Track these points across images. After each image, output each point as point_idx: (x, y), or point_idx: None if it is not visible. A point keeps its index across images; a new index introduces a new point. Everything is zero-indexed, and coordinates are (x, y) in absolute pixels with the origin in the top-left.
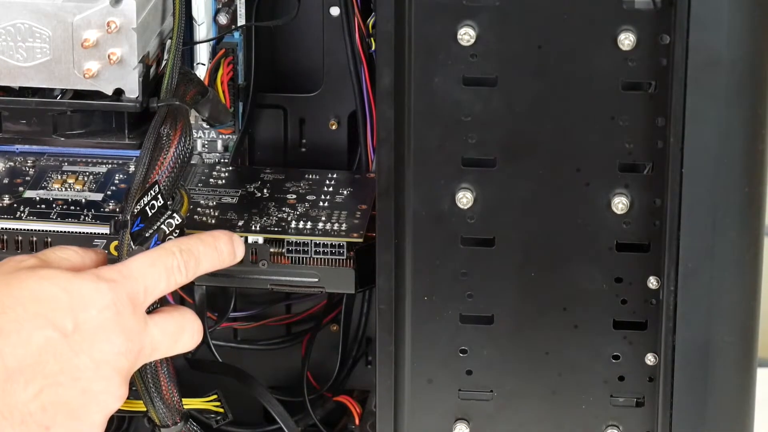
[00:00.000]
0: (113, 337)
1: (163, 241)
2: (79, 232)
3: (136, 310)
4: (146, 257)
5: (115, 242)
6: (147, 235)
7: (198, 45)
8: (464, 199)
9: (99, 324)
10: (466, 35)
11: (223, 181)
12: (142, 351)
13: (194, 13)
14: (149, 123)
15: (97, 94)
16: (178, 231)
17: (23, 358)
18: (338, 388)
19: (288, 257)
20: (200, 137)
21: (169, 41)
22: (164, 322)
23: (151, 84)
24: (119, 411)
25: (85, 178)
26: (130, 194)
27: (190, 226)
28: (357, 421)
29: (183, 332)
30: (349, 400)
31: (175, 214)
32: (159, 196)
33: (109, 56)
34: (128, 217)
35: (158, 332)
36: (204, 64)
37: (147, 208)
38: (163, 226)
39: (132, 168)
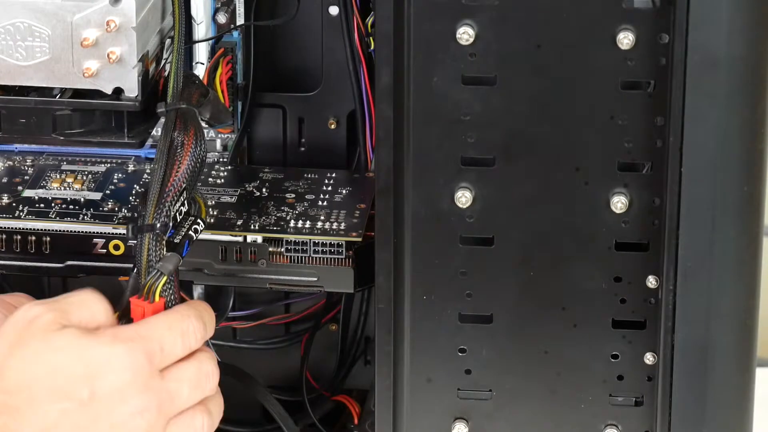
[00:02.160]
0: (129, 398)
1: (191, 245)
2: (78, 231)
3: (152, 369)
4: (164, 320)
5: (114, 241)
6: (177, 241)
7: (197, 44)
8: (463, 198)
9: (115, 388)
10: (465, 34)
11: (222, 180)
12: (161, 406)
13: (193, 13)
14: (148, 122)
15: (97, 93)
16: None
17: None
18: (337, 387)
19: (287, 256)
20: None
21: (168, 40)
22: (179, 371)
23: (150, 83)
24: None
25: (84, 177)
26: (148, 199)
27: None
28: (356, 421)
29: (200, 373)
30: (348, 400)
31: (199, 220)
32: (186, 201)
33: (108, 55)
34: (152, 222)
35: (174, 383)
36: (203, 64)
37: (177, 213)
38: (190, 232)
39: (131, 167)
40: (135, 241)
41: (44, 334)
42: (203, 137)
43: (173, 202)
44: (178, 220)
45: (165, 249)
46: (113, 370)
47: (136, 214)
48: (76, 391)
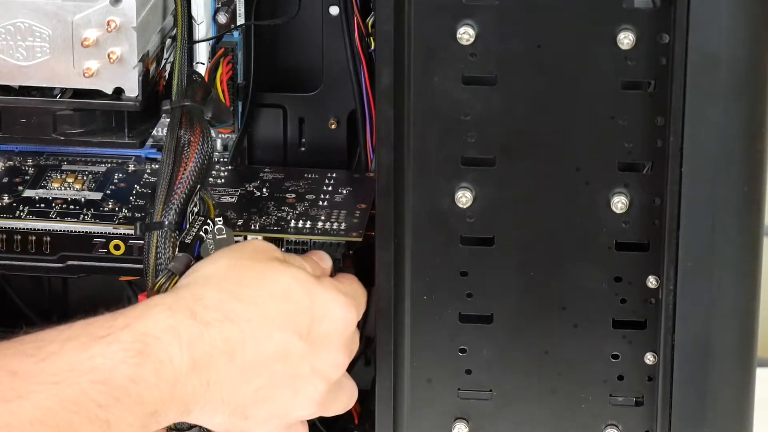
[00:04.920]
0: (334, 349)
1: (201, 247)
2: (78, 231)
3: (355, 329)
4: (363, 292)
5: (115, 241)
6: (188, 241)
7: (197, 44)
8: (464, 198)
9: (327, 335)
10: (466, 34)
11: (223, 180)
12: (344, 366)
13: (194, 13)
14: (149, 122)
15: (97, 93)
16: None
17: (260, 354)
18: None
19: None
20: None
21: (169, 40)
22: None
23: (151, 83)
24: None
25: (85, 177)
26: (156, 198)
27: None
28: (356, 421)
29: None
30: None
31: (209, 221)
32: (198, 201)
33: (108, 55)
34: (160, 219)
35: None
36: (203, 64)
37: (189, 213)
38: (201, 232)
39: (131, 167)
40: (142, 240)
41: (282, 264)
42: (210, 135)
43: (182, 201)
44: (190, 220)
45: (177, 249)
46: (332, 318)
47: (143, 214)
48: (300, 323)
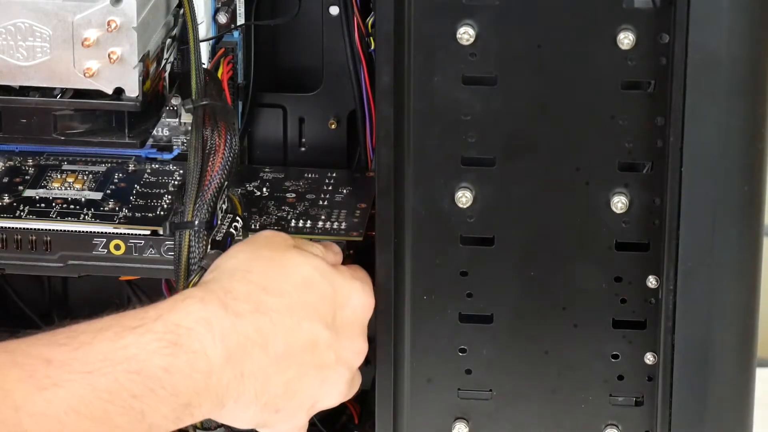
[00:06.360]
0: (356, 336)
1: (232, 242)
2: (79, 231)
3: (369, 317)
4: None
5: (115, 241)
6: (218, 238)
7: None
8: (464, 198)
9: (349, 322)
10: (466, 34)
11: None
12: (365, 353)
13: None
14: (149, 122)
15: (98, 93)
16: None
17: (290, 345)
18: None
19: None
20: None
21: (169, 40)
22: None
23: (151, 83)
24: None
25: (85, 177)
26: (185, 197)
27: None
28: (356, 421)
29: None
30: (348, 400)
31: (237, 217)
32: (226, 199)
33: (109, 55)
34: (191, 219)
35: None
36: (203, 64)
37: (219, 211)
38: (231, 229)
39: (132, 167)
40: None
41: (300, 253)
42: (234, 131)
43: (214, 199)
44: (219, 217)
45: (209, 246)
46: (353, 305)
47: (166, 213)
48: (325, 312)
